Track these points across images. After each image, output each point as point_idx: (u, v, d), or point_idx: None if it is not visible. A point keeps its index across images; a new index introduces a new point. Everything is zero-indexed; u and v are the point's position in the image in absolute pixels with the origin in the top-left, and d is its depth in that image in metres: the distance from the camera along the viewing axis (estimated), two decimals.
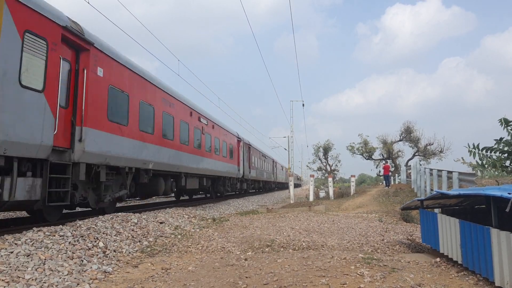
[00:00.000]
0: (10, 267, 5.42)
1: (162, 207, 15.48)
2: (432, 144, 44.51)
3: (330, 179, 30.55)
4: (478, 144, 7.98)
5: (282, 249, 8.25)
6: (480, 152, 7.98)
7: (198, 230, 10.98)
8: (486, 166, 8.00)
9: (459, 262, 6.29)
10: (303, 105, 48.56)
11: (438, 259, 6.86)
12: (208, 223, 12.62)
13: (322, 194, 34.37)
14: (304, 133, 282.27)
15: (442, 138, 55.04)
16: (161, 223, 11.00)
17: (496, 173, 8.20)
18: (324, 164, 61.80)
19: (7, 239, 6.56)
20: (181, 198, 24.92)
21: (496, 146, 7.92)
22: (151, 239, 9.07)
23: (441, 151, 44.01)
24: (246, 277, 5.76)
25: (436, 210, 9.03)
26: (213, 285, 5.44)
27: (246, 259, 7.01)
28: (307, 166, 67.26)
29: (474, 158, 8.07)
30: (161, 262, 7.04)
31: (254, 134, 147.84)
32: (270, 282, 5.41)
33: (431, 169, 18.64)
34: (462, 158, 8.49)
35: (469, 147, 7.98)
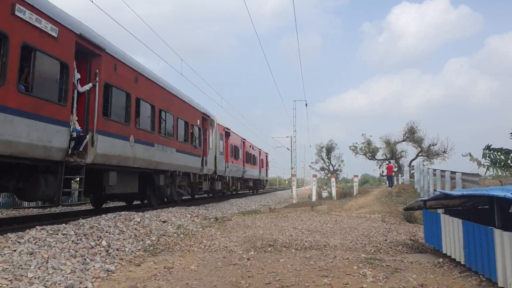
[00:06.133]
0: (13, 265, 5.43)
1: (164, 206, 15.48)
2: (436, 145, 44.41)
3: (333, 179, 30.52)
4: (491, 145, 8.05)
5: (284, 249, 8.25)
6: (491, 153, 8.04)
7: (200, 229, 10.99)
8: (498, 166, 8.04)
9: (462, 262, 6.28)
10: (306, 105, 48.62)
11: (441, 260, 6.85)
12: (211, 222, 12.63)
13: (324, 194, 34.36)
14: (307, 133, 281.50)
15: (446, 139, 54.78)
16: (163, 222, 11.01)
17: (508, 172, 8.25)
18: (327, 164, 61.71)
19: (10, 238, 6.58)
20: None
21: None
22: (153, 238, 9.08)
23: (444, 152, 43.89)
24: (249, 276, 5.76)
25: (439, 211, 9.01)
26: (215, 284, 5.44)
27: (248, 259, 7.01)
28: (310, 166, 67.15)
29: (486, 159, 8.12)
30: (163, 261, 7.04)
31: (257, 134, 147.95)
32: (272, 281, 5.41)
33: (434, 170, 18.60)
34: (469, 153, 8.46)
35: (484, 149, 8.06)
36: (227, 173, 24.77)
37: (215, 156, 21.67)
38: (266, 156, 46.49)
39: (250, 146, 35.10)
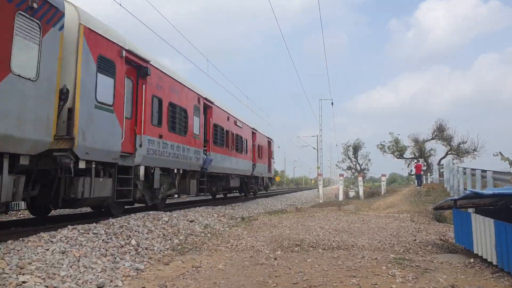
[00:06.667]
0: (46, 264, 5.60)
1: (192, 206, 15.64)
2: (466, 143, 43.47)
3: (360, 178, 30.20)
4: None
5: (311, 249, 8.22)
6: None
7: (227, 229, 11.05)
8: None
9: (494, 263, 6.13)
10: (332, 103, 48.20)
11: (472, 260, 6.70)
12: (237, 222, 12.68)
13: (351, 193, 34.09)
14: (333, 132, 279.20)
15: (476, 136, 53.66)
16: (191, 221, 11.12)
17: None
18: (354, 163, 61.14)
19: (43, 237, 6.76)
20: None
21: None
22: (181, 238, 9.18)
23: (474, 150, 42.92)
24: (276, 276, 5.76)
25: (470, 210, 8.82)
26: (243, 283, 5.47)
27: (275, 258, 7.02)
28: (336, 166, 66.67)
29: None
30: (191, 260, 7.12)
31: (283, 133, 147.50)
32: (299, 281, 5.40)
33: (464, 168, 18.19)
34: (500, 152, 8.29)
35: None
36: (139, 159, 11.03)
37: (72, 109, 8.21)
38: (269, 142, 30.43)
39: (228, 117, 20.09)
